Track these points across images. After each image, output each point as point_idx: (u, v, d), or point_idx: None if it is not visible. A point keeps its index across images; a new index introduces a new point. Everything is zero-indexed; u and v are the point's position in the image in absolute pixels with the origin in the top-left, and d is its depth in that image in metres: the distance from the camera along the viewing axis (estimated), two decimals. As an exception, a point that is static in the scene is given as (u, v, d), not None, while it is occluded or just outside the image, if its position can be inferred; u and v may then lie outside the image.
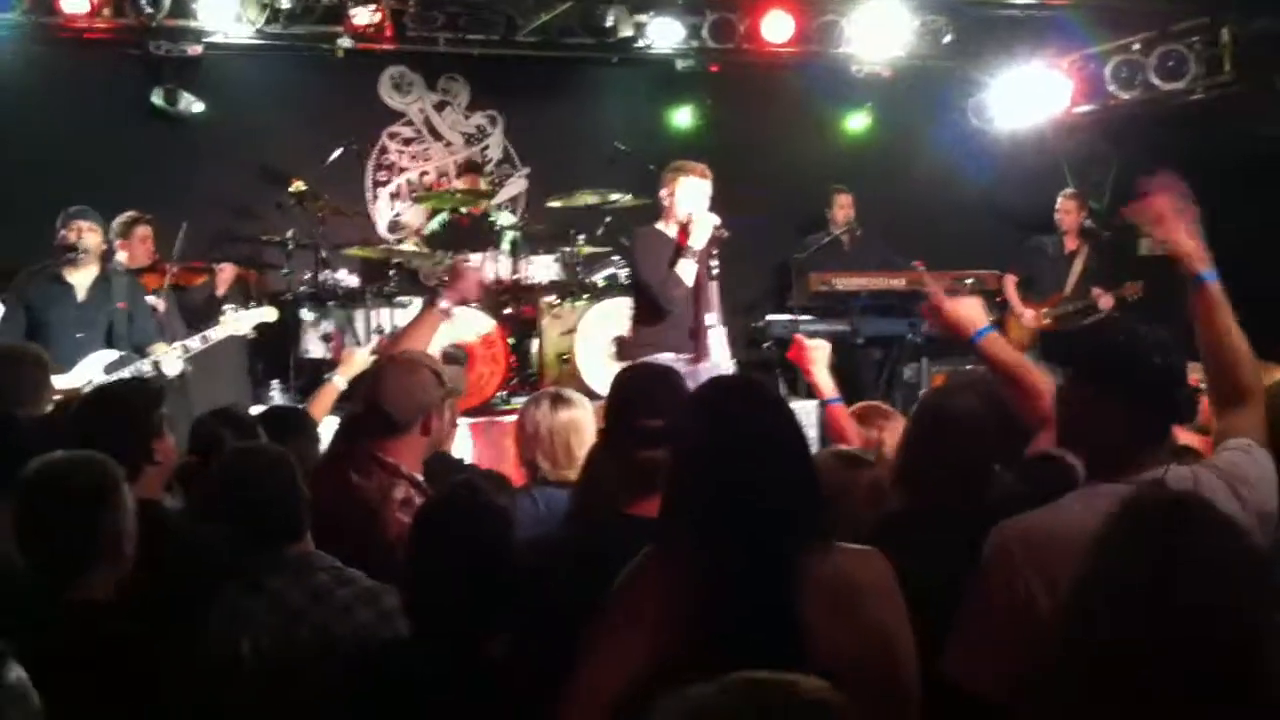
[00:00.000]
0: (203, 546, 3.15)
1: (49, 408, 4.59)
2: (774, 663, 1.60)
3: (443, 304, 4.30)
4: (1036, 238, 9.36)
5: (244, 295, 7.87)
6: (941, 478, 3.11)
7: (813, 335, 8.51)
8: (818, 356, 4.48)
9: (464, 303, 4.55)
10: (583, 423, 3.95)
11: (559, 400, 4.00)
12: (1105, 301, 8.83)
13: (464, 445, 6.87)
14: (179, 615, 2.91)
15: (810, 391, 7.86)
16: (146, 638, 2.75)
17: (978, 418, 3.16)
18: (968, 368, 8.69)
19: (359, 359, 5.14)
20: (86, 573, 2.80)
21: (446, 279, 4.41)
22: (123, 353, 6.44)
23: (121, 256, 7.19)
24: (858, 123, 10.25)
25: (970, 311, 3.40)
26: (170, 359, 6.44)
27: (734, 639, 2.20)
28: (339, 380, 5.10)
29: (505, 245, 8.32)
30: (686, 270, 6.01)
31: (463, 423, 6.91)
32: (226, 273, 7.73)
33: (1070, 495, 2.59)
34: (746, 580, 2.27)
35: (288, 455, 3.17)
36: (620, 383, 3.18)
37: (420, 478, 3.51)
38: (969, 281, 8.65)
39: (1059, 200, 9.30)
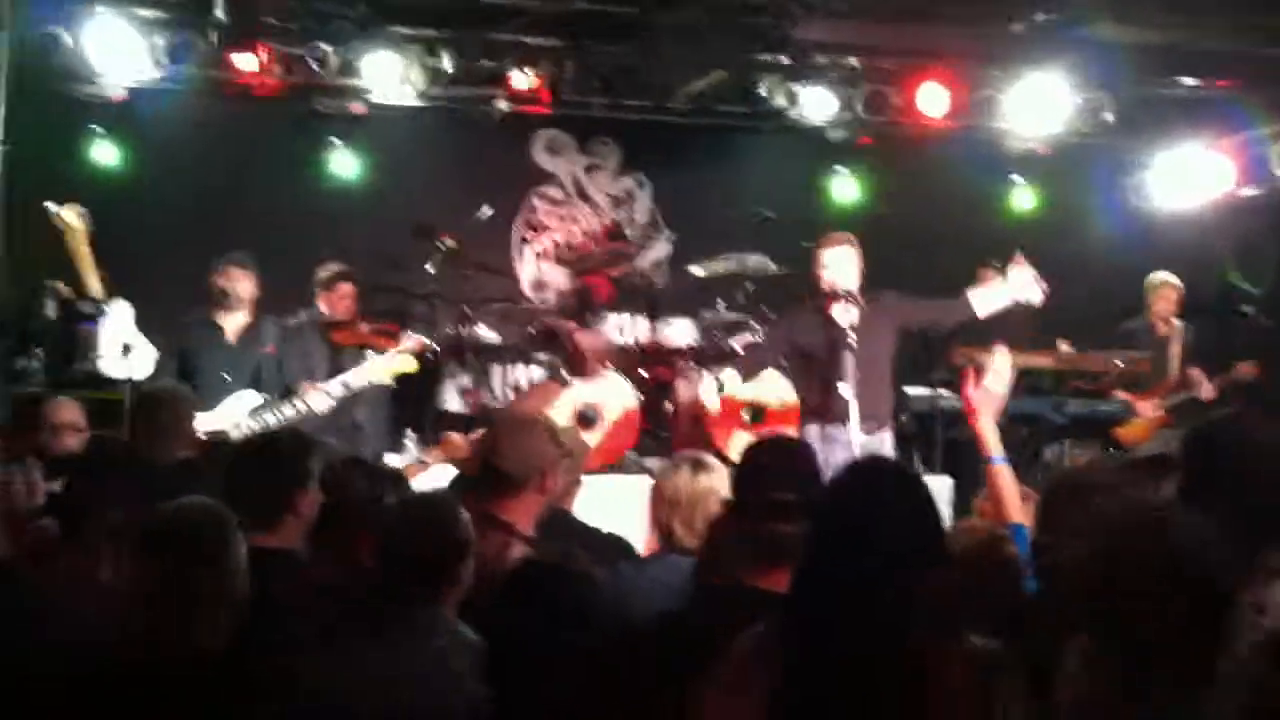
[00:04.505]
0: (322, 595, 3.18)
1: (185, 452, 4.64)
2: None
3: (564, 375, 4.23)
4: (1125, 325, 9.09)
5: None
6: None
7: (952, 410, 8.51)
8: (988, 395, 4.07)
9: (583, 376, 4.41)
10: (722, 491, 3.89)
11: (699, 466, 3.95)
12: (1207, 389, 8.60)
13: (591, 505, 6.85)
14: (292, 664, 2.92)
15: (944, 466, 7.81)
16: (252, 689, 2.77)
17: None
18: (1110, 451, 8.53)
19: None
20: (195, 623, 2.83)
21: (570, 357, 4.30)
22: (268, 396, 6.61)
23: (321, 307, 7.44)
24: (1011, 199, 10.08)
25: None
26: (318, 398, 6.56)
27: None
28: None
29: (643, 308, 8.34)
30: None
31: (592, 482, 6.92)
32: (412, 345, 7.77)
33: None
34: (834, 667, 2.20)
35: (456, 516, 3.16)
36: (752, 453, 3.15)
37: (534, 535, 3.48)
38: (1119, 364, 8.40)
39: (1159, 286, 9.02)
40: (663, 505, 3.90)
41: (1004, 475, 3.83)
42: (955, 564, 3.20)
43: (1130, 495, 3.11)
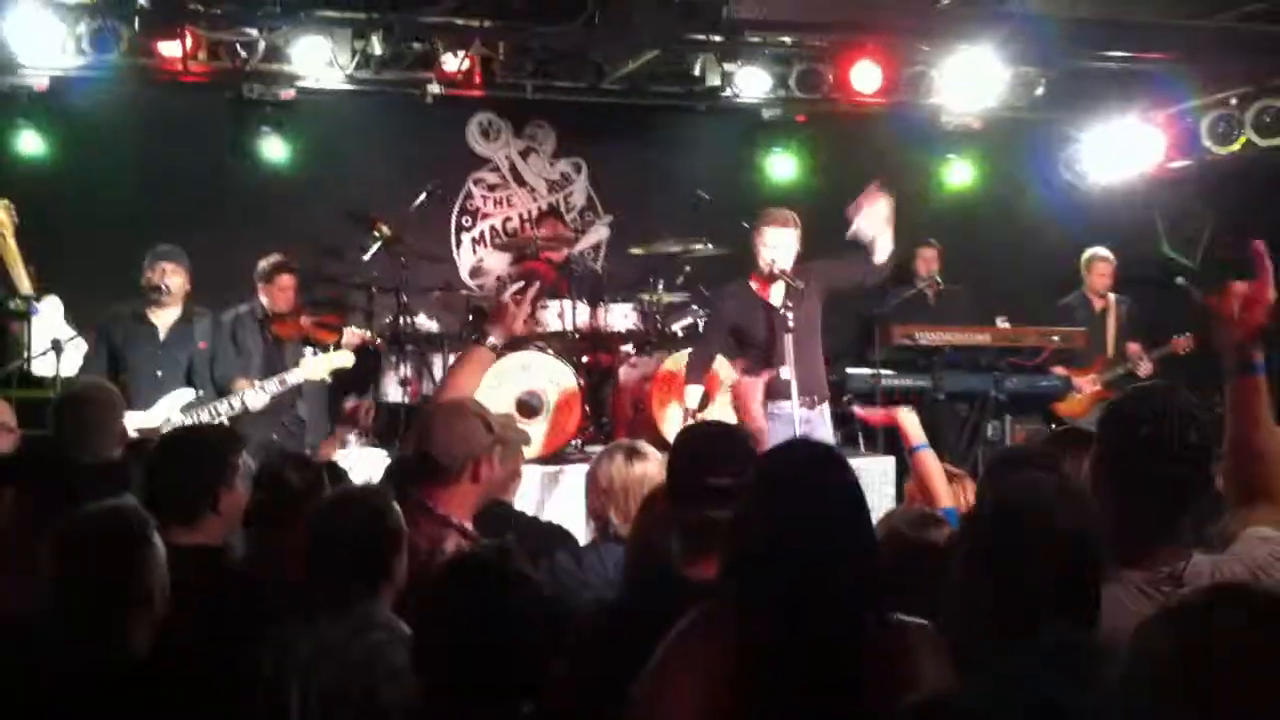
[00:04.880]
0: (260, 592, 3.14)
1: (117, 450, 4.57)
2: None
3: (490, 341, 4.08)
4: (1062, 300, 9.20)
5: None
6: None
7: (895, 390, 8.55)
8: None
9: (511, 337, 4.29)
10: (657, 478, 3.87)
11: (634, 453, 3.93)
12: (1145, 369, 8.81)
13: (534, 494, 6.84)
14: (225, 662, 2.88)
15: (888, 447, 7.85)
16: (178, 688, 2.73)
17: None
18: (1053, 427, 8.60)
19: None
20: (116, 623, 2.80)
21: (491, 315, 4.18)
22: (200, 392, 6.53)
23: (262, 299, 7.36)
24: (946, 175, 10.12)
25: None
26: (254, 395, 6.50)
27: (783, 710, 2.13)
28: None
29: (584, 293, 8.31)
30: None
31: (535, 471, 6.90)
32: (353, 339, 7.71)
33: None
34: (798, 650, 2.20)
35: (388, 508, 3.11)
36: (686, 439, 3.13)
37: (470, 527, 3.44)
38: (1055, 339, 8.48)
39: (1093, 261, 9.15)
40: (598, 493, 3.88)
41: (928, 461, 4.01)
42: (885, 545, 3.23)
43: (1031, 473, 3.12)
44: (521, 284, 4.00)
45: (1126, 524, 2.45)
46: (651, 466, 3.85)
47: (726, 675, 2.25)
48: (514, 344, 7.82)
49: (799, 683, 2.22)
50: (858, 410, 5.92)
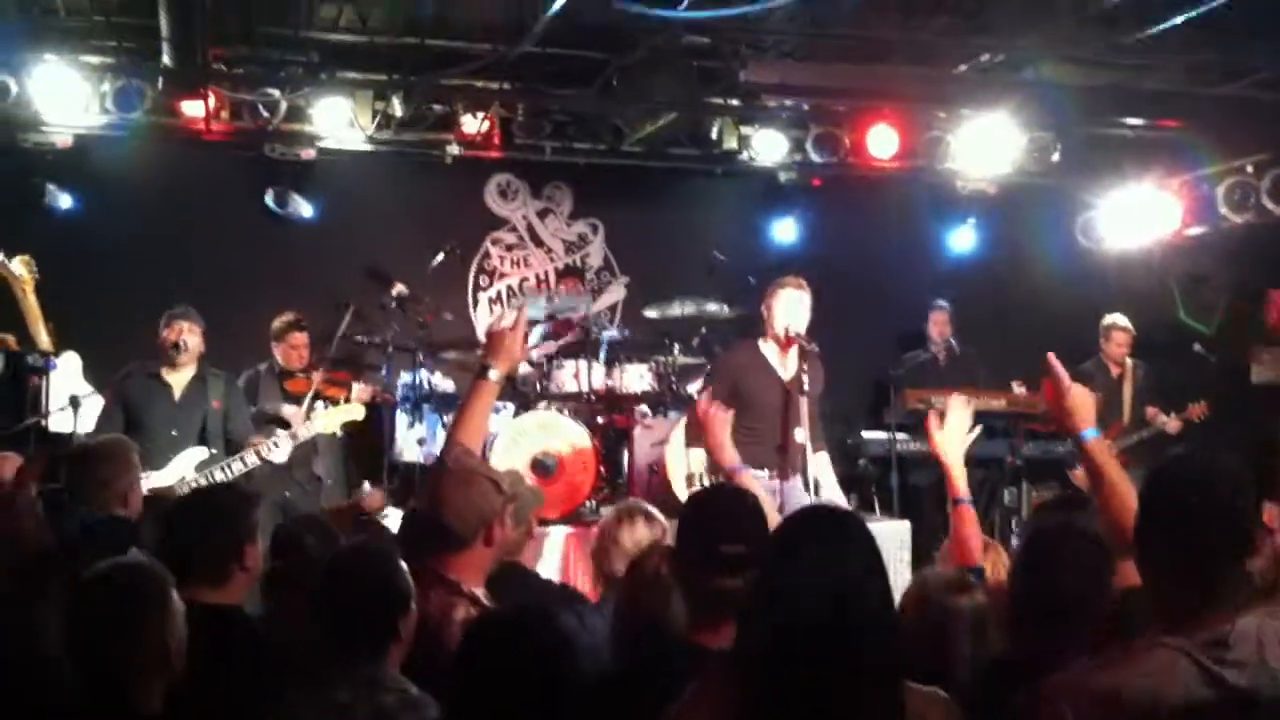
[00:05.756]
0: (275, 654, 3.13)
1: (120, 508, 4.54)
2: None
3: (492, 374, 4.01)
4: (1080, 366, 9.17)
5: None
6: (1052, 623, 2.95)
7: (910, 454, 8.53)
8: (952, 436, 4.00)
9: (514, 365, 4.21)
10: (664, 541, 3.87)
11: (650, 517, 3.94)
12: (1173, 425, 8.79)
13: (550, 554, 6.83)
14: None
15: (904, 511, 7.82)
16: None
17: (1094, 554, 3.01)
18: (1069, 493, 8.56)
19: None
20: (132, 682, 2.79)
21: (488, 346, 4.05)
22: (214, 450, 6.56)
23: (276, 356, 7.44)
24: (961, 239, 10.15)
25: (1086, 407, 3.42)
26: (267, 451, 6.52)
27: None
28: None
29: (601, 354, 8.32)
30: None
31: (552, 531, 6.90)
32: (364, 394, 7.74)
33: (1133, 648, 2.39)
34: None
35: (394, 567, 3.08)
36: (698, 504, 3.11)
37: (481, 594, 3.40)
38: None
39: (1112, 329, 9.15)
40: (605, 555, 3.87)
41: (970, 517, 3.83)
42: (907, 611, 3.20)
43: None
44: (513, 314, 3.87)
45: (1173, 590, 2.41)
46: (659, 530, 3.86)
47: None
48: (529, 403, 7.87)
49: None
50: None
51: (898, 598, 3.13)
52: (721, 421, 4.16)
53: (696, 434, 6.47)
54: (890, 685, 2.26)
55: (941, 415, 4.13)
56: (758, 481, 5.23)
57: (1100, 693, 2.27)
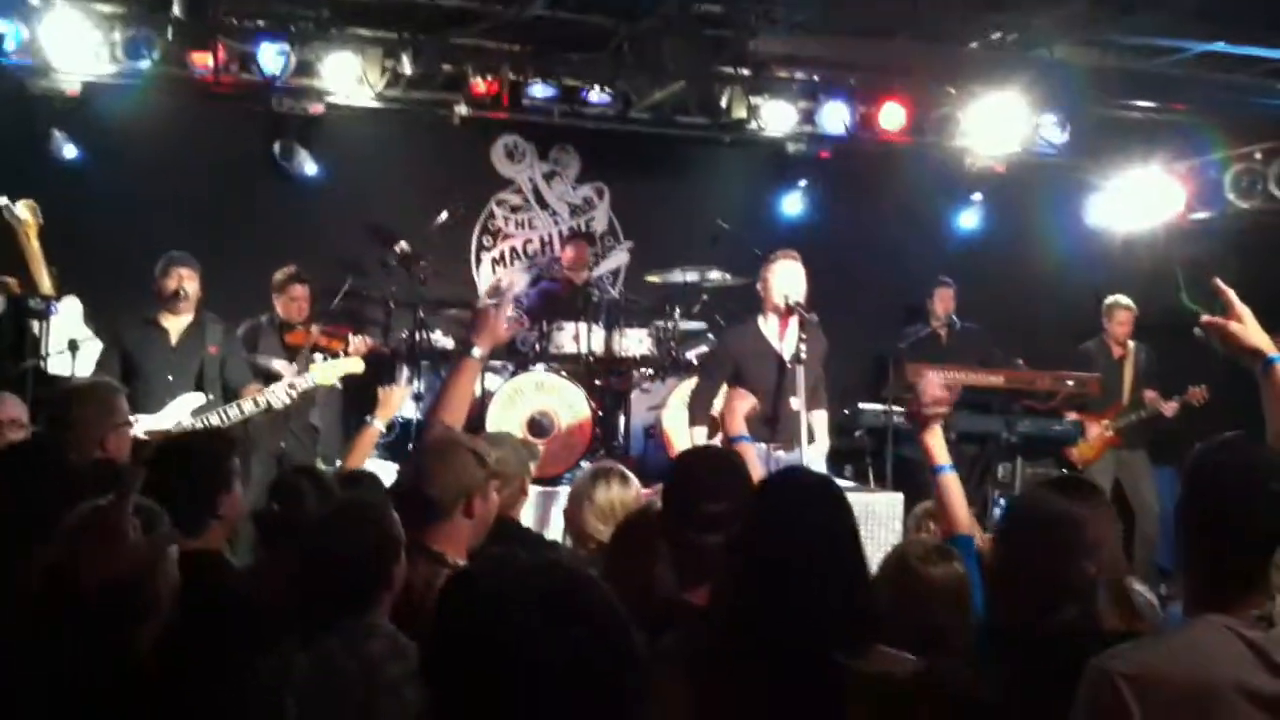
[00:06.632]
0: (260, 601, 3.15)
1: (99, 452, 4.50)
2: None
3: (475, 352, 4.01)
4: (1082, 345, 9.18)
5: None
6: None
7: (904, 428, 8.53)
8: (935, 404, 3.97)
9: (498, 345, 4.29)
10: (636, 502, 3.94)
11: (624, 478, 3.99)
12: (1170, 408, 8.81)
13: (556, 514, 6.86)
14: (224, 670, 2.89)
15: (897, 484, 7.84)
16: (176, 697, 2.72)
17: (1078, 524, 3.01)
18: (1064, 471, 8.59)
19: (396, 399, 5.04)
20: (124, 627, 2.78)
21: (473, 324, 4.12)
22: (211, 396, 6.58)
23: (277, 308, 7.48)
24: (967, 216, 10.15)
25: (1260, 337, 3.21)
26: (264, 399, 6.54)
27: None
28: (378, 424, 4.98)
29: (601, 318, 8.35)
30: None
31: (540, 490, 6.93)
32: (361, 346, 7.75)
33: (1179, 630, 2.43)
34: (780, 685, 2.21)
35: (385, 515, 3.10)
36: (683, 465, 3.15)
37: (464, 565, 3.43)
38: (1069, 384, 8.47)
39: (1114, 309, 9.12)
40: (578, 510, 3.92)
41: (951, 485, 3.77)
42: (884, 580, 3.23)
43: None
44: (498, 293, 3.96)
45: (1217, 573, 2.43)
46: (631, 491, 3.91)
47: (707, 700, 2.26)
48: (528, 363, 7.90)
49: (780, 713, 2.22)
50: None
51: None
52: (742, 395, 4.42)
53: (702, 416, 6.54)
54: (865, 644, 2.30)
55: (916, 393, 4.12)
56: (756, 452, 5.32)
57: (1154, 674, 2.27)
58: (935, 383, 4.03)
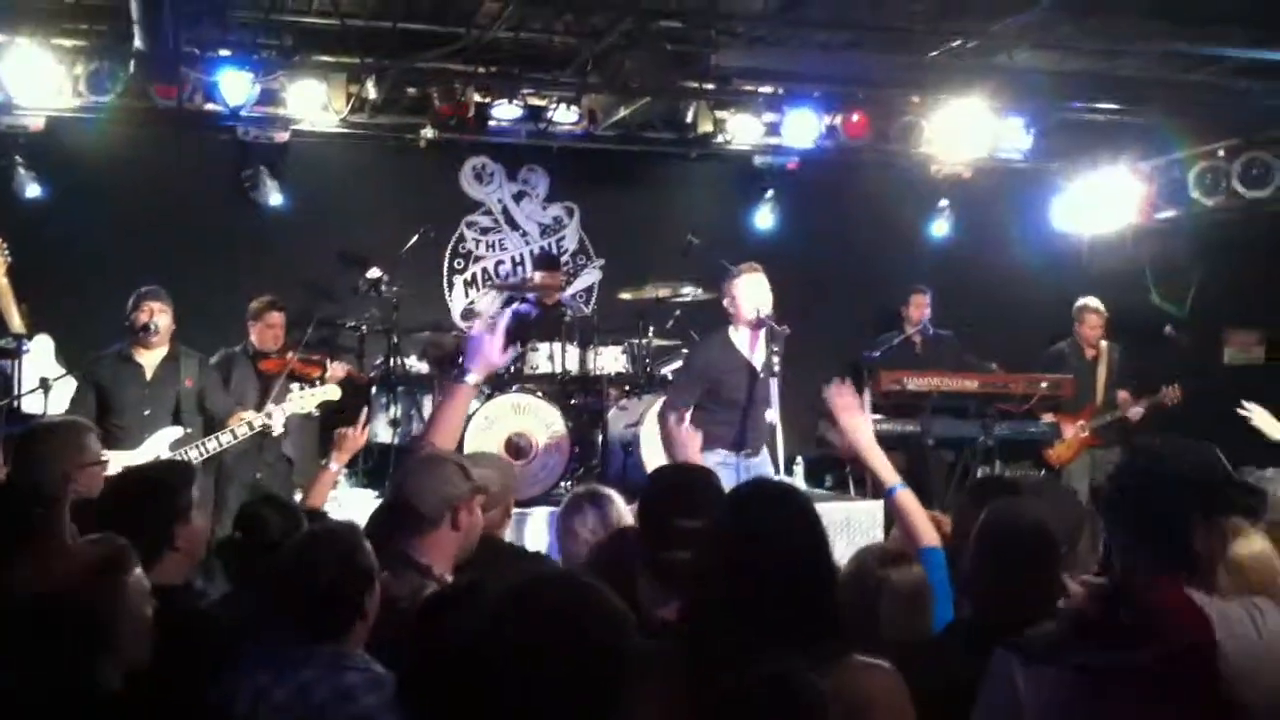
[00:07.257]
0: (229, 634, 3.12)
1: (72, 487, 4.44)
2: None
3: (470, 378, 4.02)
4: (1055, 347, 9.23)
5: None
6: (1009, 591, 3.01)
7: (883, 435, 8.54)
8: (845, 409, 4.02)
9: (492, 371, 4.32)
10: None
11: (598, 501, 4.00)
12: (1135, 412, 8.85)
13: (536, 535, 6.85)
14: (195, 704, 2.86)
15: (878, 492, 7.85)
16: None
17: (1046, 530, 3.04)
18: (1043, 473, 8.63)
19: (352, 441, 5.09)
20: (94, 663, 2.76)
21: (464, 352, 4.12)
22: (189, 430, 6.56)
23: (252, 337, 7.44)
24: (935, 222, 10.20)
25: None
26: (243, 429, 6.52)
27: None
28: (334, 466, 5.06)
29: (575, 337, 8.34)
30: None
31: (528, 513, 6.93)
32: (338, 372, 7.74)
33: None
34: (747, 697, 2.20)
35: (358, 545, 3.08)
36: (657, 481, 3.15)
37: (450, 577, 3.42)
38: (1044, 386, 8.51)
39: (1084, 312, 9.16)
40: (568, 538, 3.91)
41: (907, 502, 3.78)
42: (848, 585, 3.24)
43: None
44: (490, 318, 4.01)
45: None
46: (612, 514, 3.92)
47: (676, 714, 2.25)
48: (504, 385, 7.88)
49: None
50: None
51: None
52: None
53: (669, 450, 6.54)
54: (834, 652, 2.30)
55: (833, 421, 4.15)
56: (726, 466, 5.35)
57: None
58: (837, 389, 4.07)
